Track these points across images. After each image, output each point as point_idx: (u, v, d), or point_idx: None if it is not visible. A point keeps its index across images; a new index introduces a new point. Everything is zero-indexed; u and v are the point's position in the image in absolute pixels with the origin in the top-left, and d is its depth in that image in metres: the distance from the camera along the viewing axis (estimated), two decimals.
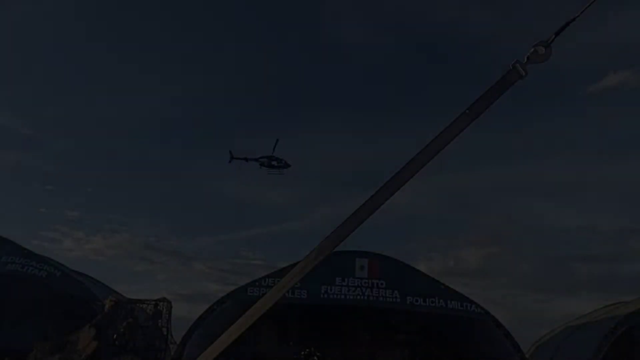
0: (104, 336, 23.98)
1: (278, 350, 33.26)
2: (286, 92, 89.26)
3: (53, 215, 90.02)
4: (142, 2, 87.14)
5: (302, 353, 21.63)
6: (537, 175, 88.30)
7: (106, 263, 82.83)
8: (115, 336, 24.25)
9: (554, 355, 32.91)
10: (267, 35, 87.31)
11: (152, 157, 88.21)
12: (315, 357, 21.39)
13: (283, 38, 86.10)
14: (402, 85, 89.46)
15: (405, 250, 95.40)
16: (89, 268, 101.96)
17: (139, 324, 25.97)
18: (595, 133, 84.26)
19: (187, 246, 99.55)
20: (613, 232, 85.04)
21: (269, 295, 2.52)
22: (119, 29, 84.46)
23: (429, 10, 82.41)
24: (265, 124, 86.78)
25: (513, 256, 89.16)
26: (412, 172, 2.41)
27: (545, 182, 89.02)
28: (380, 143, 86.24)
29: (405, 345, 34.91)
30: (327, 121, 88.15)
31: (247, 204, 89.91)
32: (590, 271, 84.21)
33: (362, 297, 27.55)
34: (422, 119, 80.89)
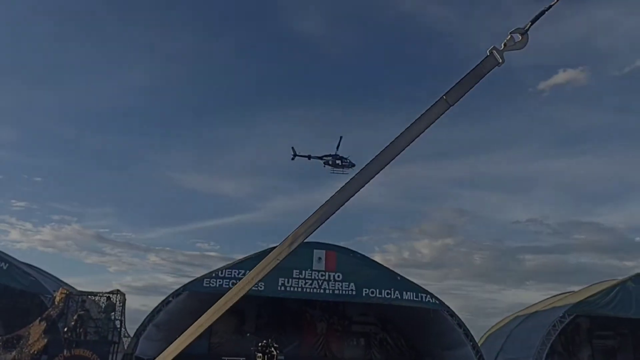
0: (55, 330, 23.29)
1: (234, 342, 33.08)
2: (243, 84, 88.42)
3: None
4: None
5: (260, 345, 21.50)
6: (490, 169, 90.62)
7: (56, 255, 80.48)
8: (66, 330, 23.57)
9: (504, 343, 33.87)
10: (225, 25, 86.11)
11: (105, 147, 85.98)
12: (273, 349, 21.30)
13: (241, 28, 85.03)
14: (360, 78, 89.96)
15: (361, 242, 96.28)
16: (38, 260, 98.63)
17: (91, 317, 25.32)
18: (545, 128, 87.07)
19: (141, 238, 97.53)
20: (559, 225, 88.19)
21: (235, 288, 2.44)
22: (73, 10, 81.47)
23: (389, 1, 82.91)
24: (223, 114, 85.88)
25: (466, 248, 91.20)
26: (388, 159, 2.37)
27: (497, 176, 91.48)
28: (336, 136, 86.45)
29: (361, 336, 35.32)
30: (285, 113, 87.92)
31: (202, 195, 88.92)
32: (538, 262, 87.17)
33: (319, 289, 27.63)
34: (381, 112, 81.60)
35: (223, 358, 31.86)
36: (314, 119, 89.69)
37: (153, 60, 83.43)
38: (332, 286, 27.63)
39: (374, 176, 2.37)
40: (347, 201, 2.34)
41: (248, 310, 34.03)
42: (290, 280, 27.23)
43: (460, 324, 28.98)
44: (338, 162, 40.22)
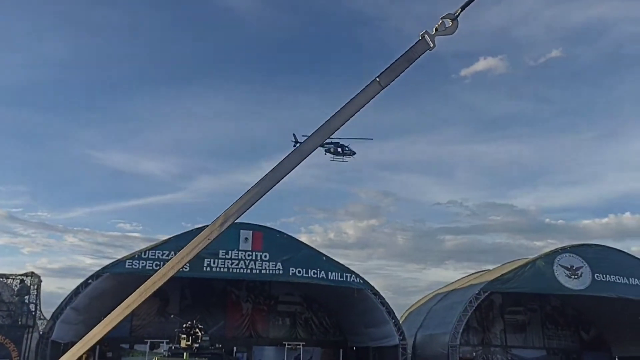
0: None
1: (157, 324, 32.49)
2: (171, 60, 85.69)
3: None
4: None
5: (184, 326, 21.23)
6: (414, 153, 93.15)
7: None
8: None
9: (424, 320, 35.26)
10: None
11: (17, 122, 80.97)
12: (197, 330, 21.09)
13: (170, 1, 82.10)
14: (290, 60, 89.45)
15: (287, 223, 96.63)
16: None
17: (2, 301, 24.07)
18: (467, 114, 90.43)
19: (57, 218, 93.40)
20: (477, 207, 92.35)
21: (164, 269, 2.38)
22: None
23: None
24: (148, 90, 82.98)
25: (390, 229, 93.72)
26: (321, 139, 2.38)
27: (421, 160, 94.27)
28: (264, 115, 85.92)
29: (286, 315, 35.64)
30: (211, 91, 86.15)
31: (124, 174, 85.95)
32: (457, 242, 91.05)
33: (245, 269, 27.54)
34: (312, 94, 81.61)
35: (146, 340, 31.30)
36: (243, 99, 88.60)
37: (72, 32, 79.13)
38: (259, 266, 27.61)
39: (307, 156, 2.37)
40: (279, 181, 2.33)
41: (172, 292, 33.44)
42: (216, 260, 26.94)
43: (383, 302, 29.85)
44: (339, 149, 40.33)
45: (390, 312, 29.99)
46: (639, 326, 34.68)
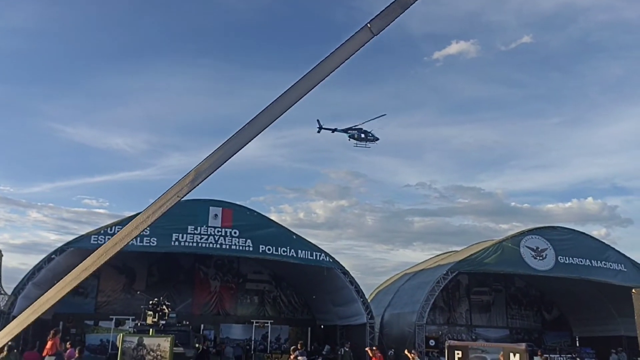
0: None
1: (123, 300, 32.03)
2: (142, 34, 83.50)
3: None
4: None
5: (150, 303, 20.90)
6: (385, 134, 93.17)
7: None
8: None
9: (392, 299, 35.62)
10: None
11: None
12: (164, 306, 20.79)
13: None
14: (262, 36, 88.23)
15: (257, 202, 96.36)
16: None
17: None
18: (438, 97, 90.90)
19: (20, 193, 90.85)
20: (446, 189, 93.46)
21: (127, 228, 2.13)
22: None
23: None
24: (118, 64, 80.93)
25: (359, 210, 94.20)
26: (305, 90, 2.16)
27: (391, 141, 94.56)
28: (236, 94, 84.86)
29: (255, 293, 35.55)
30: (183, 68, 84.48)
31: (90, 150, 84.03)
32: (425, 224, 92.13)
33: (214, 245, 27.23)
34: (282, 72, 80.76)
35: (111, 317, 30.83)
36: (215, 76, 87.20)
37: (38, 1, 76.15)
38: (228, 242, 27.33)
39: (288, 108, 2.16)
40: (258, 134, 2.11)
41: (138, 269, 32.97)
42: (184, 235, 26.55)
43: (352, 281, 29.98)
44: (362, 135, 40.58)
45: (359, 291, 30.16)
46: (598, 307, 35.75)
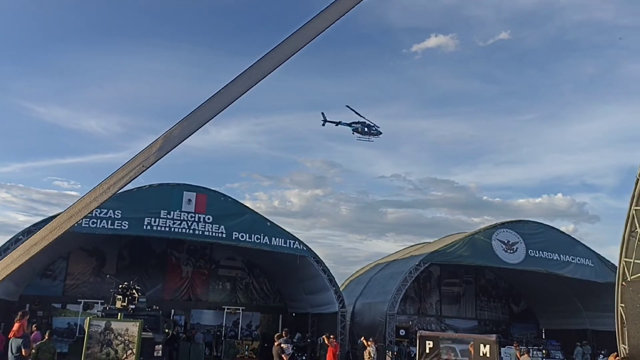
0: None
1: (92, 284, 31.50)
2: (118, 15, 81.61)
3: None
4: None
5: (120, 287, 20.56)
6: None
7: None
8: None
9: (364, 289, 35.74)
10: None
11: None
12: (134, 291, 20.48)
13: None
14: (240, 23, 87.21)
15: (231, 188, 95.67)
16: None
17: None
18: (415, 89, 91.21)
19: None
20: (420, 181, 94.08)
21: (88, 197, 1.93)
22: None
23: None
24: (94, 43, 79.11)
25: (334, 199, 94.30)
26: (290, 52, 1.99)
27: None
28: (212, 78, 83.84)
29: (227, 280, 35.31)
30: (160, 50, 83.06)
31: (64, 130, 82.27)
32: (399, 216, 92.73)
33: (187, 230, 26.85)
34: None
35: (79, 300, 30.33)
36: (192, 60, 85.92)
37: None
38: (201, 227, 26.98)
39: (274, 69, 1.97)
40: (239, 97, 1.93)
41: (109, 252, 32.41)
42: (157, 219, 26.09)
43: (325, 269, 29.94)
44: (366, 129, 40.79)
45: (332, 279, 30.15)
46: (565, 301, 36.42)
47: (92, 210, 1.83)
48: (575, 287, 34.28)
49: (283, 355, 19.80)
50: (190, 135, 1.85)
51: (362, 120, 41.02)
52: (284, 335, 21.19)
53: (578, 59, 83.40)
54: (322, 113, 40.61)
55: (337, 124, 40.95)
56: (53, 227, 1.76)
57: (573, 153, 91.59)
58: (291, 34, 1.85)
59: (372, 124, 41.41)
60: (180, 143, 1.87)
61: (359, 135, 41.41)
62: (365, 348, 23.17)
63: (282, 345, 20.11)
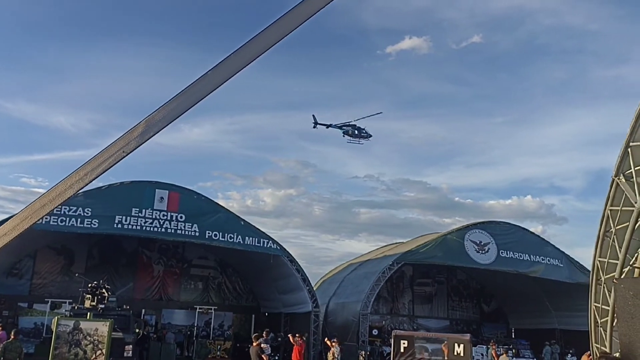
0: None
1: (60, 283, 30.80)
2: (89, 11, 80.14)
3: None
4: None
5: (89, 286, 20.10)
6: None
7: None
8: None
9: (337, 288, 35.71)
10: None
11: None
12: (103, 290, 20.05)
13: None
14: (217, 20, 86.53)
15: (204, 187, 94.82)
16: None
17: None
18: (389, 90, 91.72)
19: None
20: (393, 182, 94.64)
21: (61, 186, 1.80)
22: None
23: None
24: (64, 39, 77.53)
25: (307, 199, 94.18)
26: (274, 40, 1.89)
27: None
28: (186, 76, 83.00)
29: (199, 279, 34.92)
30: (131, 47, 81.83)
31: (32, 126, 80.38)
32: (372, 216, 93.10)
33: (159, 229, 26.41)
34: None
35: (46, 299, 29.58)
36: (165, 56, 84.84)
37: None
38: (174, 226, 26.57)
39: (256, 58, 1.87)
40: (221, 84, 1.82)
41: (78, 250, 31.72)
42: (128, 218, 25.59)
43: (299, 269, 29.79)
44: (356, 132, 40.92)
45: (305, 279, 30.02)
46: (534, 301, 36.99)
47: (67, 199, 1.70)
48: (545, 287, 34.82)
49: (263, 356, 19.61)
50: (174, 120, 1.74)
51: (352, 123, 41.45)
52: (264, 335, 21.01)
53: (548, 63, 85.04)
54: (313, 115, 40.98)
55: (328, 126, 41.18)
56: (24, 216, 1.63)
57: (543, 156, 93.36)
58: (266, 27, 1.76)
59: (362, 127, 41.78)
60: (163, 128, 1.75)
61: (349, 138, 41.77)
62: (330, 349, 23.07)
63: (262, 345, 19.93)
